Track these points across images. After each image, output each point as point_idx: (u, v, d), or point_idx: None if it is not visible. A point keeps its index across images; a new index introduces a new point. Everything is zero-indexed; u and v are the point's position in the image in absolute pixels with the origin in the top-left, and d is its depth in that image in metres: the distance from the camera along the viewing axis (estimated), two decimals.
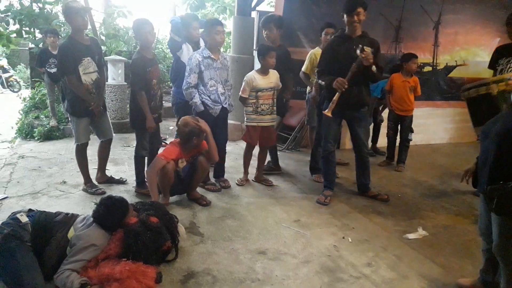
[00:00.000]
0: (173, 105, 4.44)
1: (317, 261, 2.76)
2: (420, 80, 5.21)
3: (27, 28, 7.76)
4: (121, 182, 4.10)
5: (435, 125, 6.65)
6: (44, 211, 2.54)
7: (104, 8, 9.72)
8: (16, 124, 6.29)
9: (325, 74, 3.72)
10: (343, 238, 3.13)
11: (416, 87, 5.02)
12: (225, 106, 3.97)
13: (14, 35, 8.14)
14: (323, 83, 3.76)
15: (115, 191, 3.82)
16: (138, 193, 3.83)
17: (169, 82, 8.21)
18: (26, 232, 2.32)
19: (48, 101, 6.46)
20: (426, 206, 3.91)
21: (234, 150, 5.47)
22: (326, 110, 3.64)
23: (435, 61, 6.56)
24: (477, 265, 2.54)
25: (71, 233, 2.39)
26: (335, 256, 2.84)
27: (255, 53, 4.92)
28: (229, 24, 9.47)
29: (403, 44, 6.26)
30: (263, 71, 4.03)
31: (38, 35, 7.79)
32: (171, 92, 4.70)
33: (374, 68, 3.54)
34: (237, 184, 4.23)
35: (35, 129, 5.88)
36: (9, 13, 7.55)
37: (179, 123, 3.59)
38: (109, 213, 2.45)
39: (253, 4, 6.47)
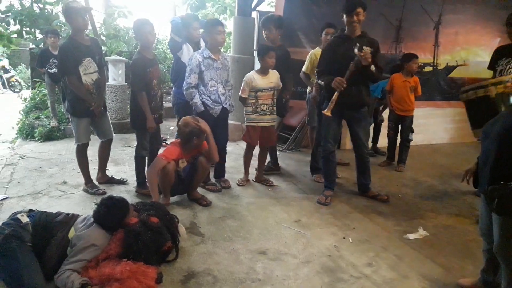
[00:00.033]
0: (173, 105, 4.45)
1: (318, 261, 2.76)
2: (421, 80, 5.20)
3: (28, 29, 7.77)
4: (121, 182, 4.10)
5: (435, 125, 6.65)
6: (45, 212, 2.55)
7: (105, 8, 9.73)
8: (17, 124, 6.29)
9: (324, 75, 3.72)
10: (344, 238, 3.13)
11: (416, 87, 5.02)
12: (225, 106, 3.97)
13: (15, 35, 8.15)
14: (322, 83, 3.76)
15: (115, 191, 3.83)
16: (139, 193, 3.83)
17: (169, 83, 8.22)
18: (27, 233, 2.32)
19: (48, 102, 6.46)
20: (426, 206, 3.91)
21: (235, 150, 5.48)
22: (326, 110, 3.65)
23: (435, 61, 6.56)
24: (478, 265, 2.54)
25: (71, 233, 2.39)
26: (336, 256, 2.84)
27: (255, 53, 4.92)
28: (230, 25, 9.47)
29: (404, 44, 6.26)
30: (263, 71, 4.03)
31: (39, 36, 7.80)
32: (172, 92, 4.71)
33: (373, 67, 3.54)
34: (237, 184, 4.23)
35: (35, 130, 5.89)
36: (10, 14, 7.55)
37: (179, 123, 3.59)
38: (110, 213, 2.45)
39: (253, 4, 6.47)
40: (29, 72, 9.96)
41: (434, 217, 3.64)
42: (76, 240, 2.34)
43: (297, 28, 5.68)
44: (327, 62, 3.75)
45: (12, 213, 2.49)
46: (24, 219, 2.36)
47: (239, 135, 5.50)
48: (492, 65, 3.93)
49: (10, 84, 12.47)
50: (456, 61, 6.68)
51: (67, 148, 5.38)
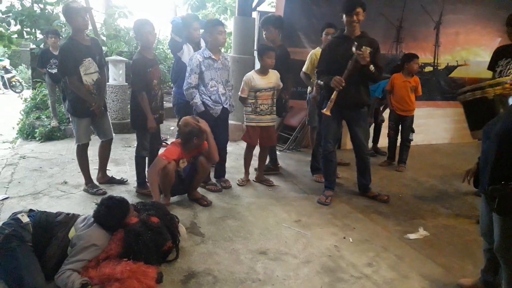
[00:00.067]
0: (174, 105, 4.45)
1: (318, 261, 2.76)
2: (421, 80, 5.20)
3: (28, 29, 7.77)
4: (122, 182, 4.10)
5: (436, 125, 6.65)
6: (45, 211, 2.55)
7: (105, 8, 9.75)
8: (17, 124, 6.30)
9: (324, 75, 3.72)
10: (344, 238, 3.12)
11: (417, 87, 5.02)
12: (226, 106, 3.97)
13: (15, 35, 8.15)
14: (321, 83, 3.76)
15: (116, 191, 3.83)
16: (139, 193, 3.84)
17: (170, 83, 8.22)
18: (27, 232, 2.32)
19: (49, 102, 6.47)
20: (427, 206, 3.91)
21: (235, 150, 5.48)
22: (325, 109, 3.65)
23: (436, 61, 6.56)
24: (478, 265, 2.54)
25: (72, 233, 2.39)
26: (336, 256, 2.84)
27: (255, 53, 4.92)
28: (230, 25, 9.48)
29: (404, 44, 6.27)
30: (262, 71, 4.04)
31: (39, 36, 7.80)
32: (172, 92, 4.71)
33: (372, 67, 3.54)
34: (238, 184, 4.23)
35: (36, 130, 5.89)
36: (10, 14, 7.56)
37: (179, 123, 3.59)
38: (110, 213, 2.45)
39: (253, 5, 6.48)
40: (29, 72, 9.97)
41: (435, 217, 3.64)
42: (76, 240, 2.34)
43: (298, 28, 5.68)
44: (326, 62, 3.75)
45: (13, 213, 2.49)
46: (25, 219, 2.37)
47: (240, 135, 5.50)
48: (492, 66, 3.93)
49: (11, 84, 12.47)
50: (457, 61, 6.68)
51: (67, 148, 5.39)
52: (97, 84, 3.68)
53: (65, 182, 4.08)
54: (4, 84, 12.59)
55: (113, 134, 4.02)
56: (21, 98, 7.49)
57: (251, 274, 2.56)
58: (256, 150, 4.35)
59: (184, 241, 2.83)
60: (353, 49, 3.45)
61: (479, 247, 2.71)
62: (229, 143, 4.30)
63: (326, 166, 3.95)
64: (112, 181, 4.08)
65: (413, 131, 5.19)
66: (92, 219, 2.47)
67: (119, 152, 5.21)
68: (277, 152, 5.08)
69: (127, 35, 8.75)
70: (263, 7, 7.43)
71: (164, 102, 4.13)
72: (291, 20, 5.51)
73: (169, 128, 6.63)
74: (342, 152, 5.34)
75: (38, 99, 7.18)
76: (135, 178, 3.89)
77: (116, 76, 6.52)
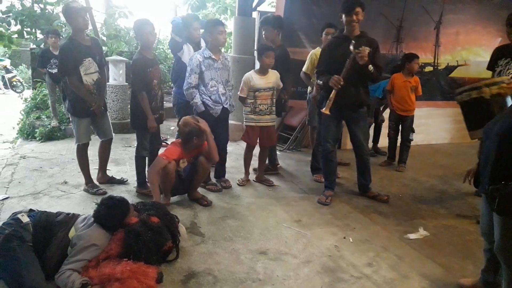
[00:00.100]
0: (174, 105, 4.45)
1: (318, 261, 2.76)
2: (421, 80, 5.20)
3: (29, 29, 7.77)
4: (122, 182, 4.10)
5: (436, 125, 6.65)
6: (45, 211, 2.55)
7: (105, 8, 9.74)
8: (18, 124, 6.30)
9: (324, 75, 3.72)
10: (344, 238, 3.12)
11: (417, 87, 5.02)
12: (226, 106, 3.97)
13: (16, 35, 8.15)
14: (321, 82, 3.77)
15: (116, 191, 3.83)
16: (139, 193, 3.84)
17: (170, 83, 8.22)
18: (27, 232, 2.32)
19: (49, 102, 6.47)
20: (427, 206, 3.91)
21: (235, 150, 5.48)
22: (324, 108, 3.65)
23: (436, 61, 6.56)
24: (478, 265, 2.54)
25: (72, 233, 2.40)
26: (336, 256, 2.84)
27: (256, 53, 4.93)
28: (230, 25, 9.48)
29: (404, 44, 6.26)
30: (262, 71, 4.04)
31: (40, 36, 7.80)
32: (172, 92, 4.71)
33: (371, 67, 3.54)
34: (238, 184, 4.23)
35: (36, 130, 5.89)
36: (11, 14, 7.55)
37: (179, 123, 3.59)
38: (110, 213, 2.45)
39: (254, 5, 6.48)
40: (30, 72, 9.97)
41: (435, 217, 3.63)
42: (76, 240, 2.35)
43: (298, 28, 5.68)
44: (326, 62, 3.75)
45: (13, 213, 2.49)
46: (25, 219, 2.37)
47: (240, 135, 5.49)
48: (492, 66, 3.90)
49: (12, 84, 12.47)
50: (457, 61, 6.67)
51: (67, 148, 5.39)
52: (97, 84, 3.68)
53: (65, 182, 4.08)
54: (4, 84, 12.59)
55: (113, 134, 4.02)
56: (21, 98, 7.49)
57: (251, 274, 2.56)
58: (256, 150, 4.35)
59: (184, 241, 2.83)
60: (351, 47, 3.45)
61: (479, 247, 2.71)
62: (229, 143, 4.30)
63: (326, 166, 3.95)
64: (112, 181, 4.08)
65: (413, 131, 5.19)
66: (92, 219, 2.47)
67: (119, 152, 5.21)
68: (277, 152, 5.09)
69: (127, 35, 8.75)
70: (263, 7, 7.43)
71: (164, 102, 4.13)
72: (291, 20, 5.51)
73: (169, 128, 6.63)
74: (342, 152, 5.34)
75: (38, 99, 7.18)
76: (135, 178, 3.89)
77: (116, 76, 6.52)
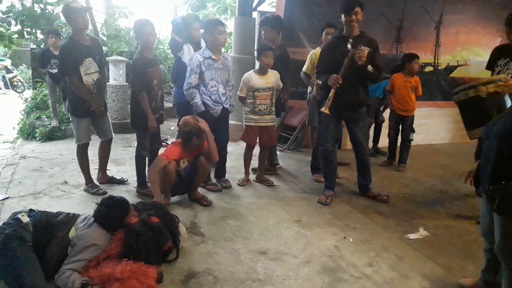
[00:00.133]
0: (174, 105, 4.46)
1: (318, 261, 2.76)
2: (422, 80, 5.20)
3: (29, 29, 7.78)
4: (122, 182, 4.10)
5: (436, 125, 6.65)
6: (45, 211, 2.55)
7: (106, 8, 9.74)
8: (18, 124, 6.30)
9: (323, 75, 3.72)
10: (344, 238, 3.12)
11: (417, 87, 5.01)
12: (226, 106, 3.97)
13: (16, 36, 8.16)
14: (320, 82, 3.77)
15: (116, 191, 3.83)
16: (139, 193, 3.84)
17: (170, 83, 8.22)
18: (27, 232, 2.32)
19: (49, 102, 6.47)
20: (427, 206, 3.91)
21: (235, 150, 5.48)
22: (323, 108, 3.65)
23: (436, 61, 6.55)
24: (479, 265, 2.54)
25: (72, 233, 2.40)
26: (336, 256, 2.84)
27: (256, 53, 4.93)
28: (230, 25, 9.48)
29: (404, 44, 6.26)
30: (261, 71, 4.04)
31: (40, 36, 7.81)
32: (172, 92, 4.72)
33: (370, 67, 3.54)
34: (238, 184, 4.23)
35: (36, 130, 5.90)
36: (11, 14, 7.56)
37: (179, 123, 3.59)
38: (110, 213, 2.45)
39: (254, 5, 6.48)
40: (30, 72, 9.97)
41: (435, 217, 3.63)
42: (76, 240, 2.35)
43: (298, 28, 5.68)
44: (326, 63, 3.75)
45: (13, 213, 2.49)
46: (25, 219, 2.37)
47: (240, 135, 5.49)
48: (491, 65, 3.89)
49: (13, 84, 12.47)
50: (457, 61, 6.67)
51: (68, 148, 5.39)
52: (97, 84, 3.68)
53: (66, 182, 4.08)
54: (5, 84, 12.59)
55: (113, 134, 4.02)
56: (22, 98, 7.49)
57: (251, 274, 2.56)
58: (256, 150, 4.35)
59: (184, 241, 2.83)
60: (348, 46, 3.45)
61: (479, 247, 2.71)
62: (229, 143, 4.30)
63: (326, 166, 3.95)
64: (112, 181, 4.09)
65: (413, 131, 5.19)
66: (92, 219, 2.47)
67: (119, 152, 5.21)
68: (278, 152, 5.09)
69: (128, 35, 8.75)
70: (264, 7, 7.43)
71: (164, 102, 4.13)
72: (292, 20, 5.51)
73: (169, 128, 6.63)
74: (342, 152, 5.33)
75: (38, 99, 7.18)
76: (135, 178, 3.89)
77: (116, 76, 6.53)
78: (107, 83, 5.95)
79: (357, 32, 3.64)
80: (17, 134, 6.12)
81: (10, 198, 3.63)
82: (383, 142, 5.61)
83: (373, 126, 5.61)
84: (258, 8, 6.57)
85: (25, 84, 12.49)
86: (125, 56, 7.54)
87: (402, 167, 5.08)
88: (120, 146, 5.48)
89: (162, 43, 10.05)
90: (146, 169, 3.78)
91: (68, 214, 2.55)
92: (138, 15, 9.86)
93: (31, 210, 2.54)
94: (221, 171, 4.21)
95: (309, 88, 4.76)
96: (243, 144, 4.43)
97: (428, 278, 2.60)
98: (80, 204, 3.54)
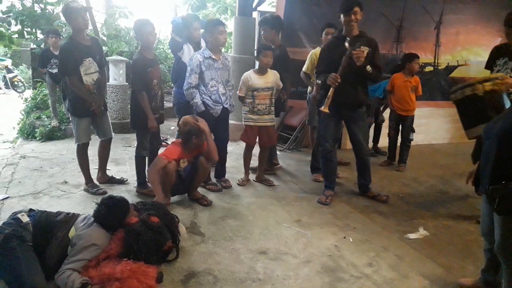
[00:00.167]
0: (174, 105, 4.46)
1: (318, 261, 2.76)
2: (422, 80, 5.20)
3: (29, 29, 7.78)
4: (122, 182, 4.10)
5: (436, 125, 6.65)
6: (45, 211, 2.55)
7: (106, 8, 9.74)
8: (18, 124, 6.30)
9: (323, 74, 3.72)
10: (344, 238, 3.12)
11: (417, 87, 5.02)
12: (226, 106, 3.97)
13: (16, 35, 8.16)
14: (319, 82, 3.77)
15: (116, 191, 3.83)
16: (139, 193, 3.84)
17: (170, 83, 8.22)
18: (27, 232, 2.32)
19: (49, 102, 6.47)
20: (427, 206, 3.91)
21: (235, 150, 5.48)
22: (323, 107, 3.65)
23: (436, 61, 6.56)
24: (479, 265, 2.54)
25: (72, 233, 2.40)
26: (336, 256, 2.84)
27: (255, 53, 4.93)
28: (230, 25, 9.47)
29: (405, 44, 6.26)
30: (260, 71, 4.04)
31: (40, 36, 7.81)
32: (172, 92, 4.72)
33: (369, 67, 3.54)
34: (238, 184, 4.23)
35: (36, 130, 5.90)
36: (11, 14, 7.56)
37: (179, 122, 3.60)
38: (110, 213, 2.45)
39: (254, 5, 6.48)
40: (30, 72, 9.97)
41: (435, 217, 3.63)
42: (76, 240, 2.35)
43: (298, 28, 5.68)
44: (325, 63, 3.75)
45: (13, 213, 2.49)
46: (25, 218, 2.37)
47: (240, 135, 5.51)
48: (490, 65, 3.89)
49: (13, 84, 12.47)
50: (457, 61, 6.67)
51: (67, 148, 5.39)
52: (97, 84, 3.68)
53: (66, 182, 4.08)
54: (6, 84, 12.59)
55: (113, 134, 4.02)
56: (22, 98, 7.49)
57: (251, 274, 2.56)
58: (256, 150, 4.35)
59: (184, 240, 2.83)
60: (346, 44, 3.45)
61: (479, 247, 2.71)
62: (229, 143, 4.29)
63: (326, 166, 3.95)
64: (112, 180, 4.09)
65: (413, 131, 5.19)
66: (92, 218, 2.47)
67: (119, 152, 5.21)
68: (278, 152, 5.09)
69: (128, 35, 8.75)
70: (264, 7, 7.42)
71: (164, 102, 4.13)
72: (291, 20, 5.51)
73: (169, 128, 6.63)
74: (342, 152, 5.33)
75: (38, 99, 7.18)
76: (135, 178, 3.89)
77: (116, 76, 6.53)
78: (107, 83, 5.95)
79: (357, 32, 3.63)
80: (17, 134, 6.12)
81: (10, 198, 3.63)
82: (383, 142, 5.61)
83: (373, 126, 5.61)
84: (258, 8, 6.57)
85: (25, 84, 12.49)
86: (125, 56, 7.54)
87: (402, 167, 5.09)
88: (120, 146, 5.48)
89: (162, 43, 10.04)
90: (146, 169, 3.78)
91: (68, 213, 2.55)
92: (138, 15, 9.85)
93: (31, 209, 2.54)
94: (221, 171, 4.21)
95: (309, 88, 4.76)
96: (243, 144, 4.43)
97: (428, 278, 2.60)
98: (80, 204, 3.54)
